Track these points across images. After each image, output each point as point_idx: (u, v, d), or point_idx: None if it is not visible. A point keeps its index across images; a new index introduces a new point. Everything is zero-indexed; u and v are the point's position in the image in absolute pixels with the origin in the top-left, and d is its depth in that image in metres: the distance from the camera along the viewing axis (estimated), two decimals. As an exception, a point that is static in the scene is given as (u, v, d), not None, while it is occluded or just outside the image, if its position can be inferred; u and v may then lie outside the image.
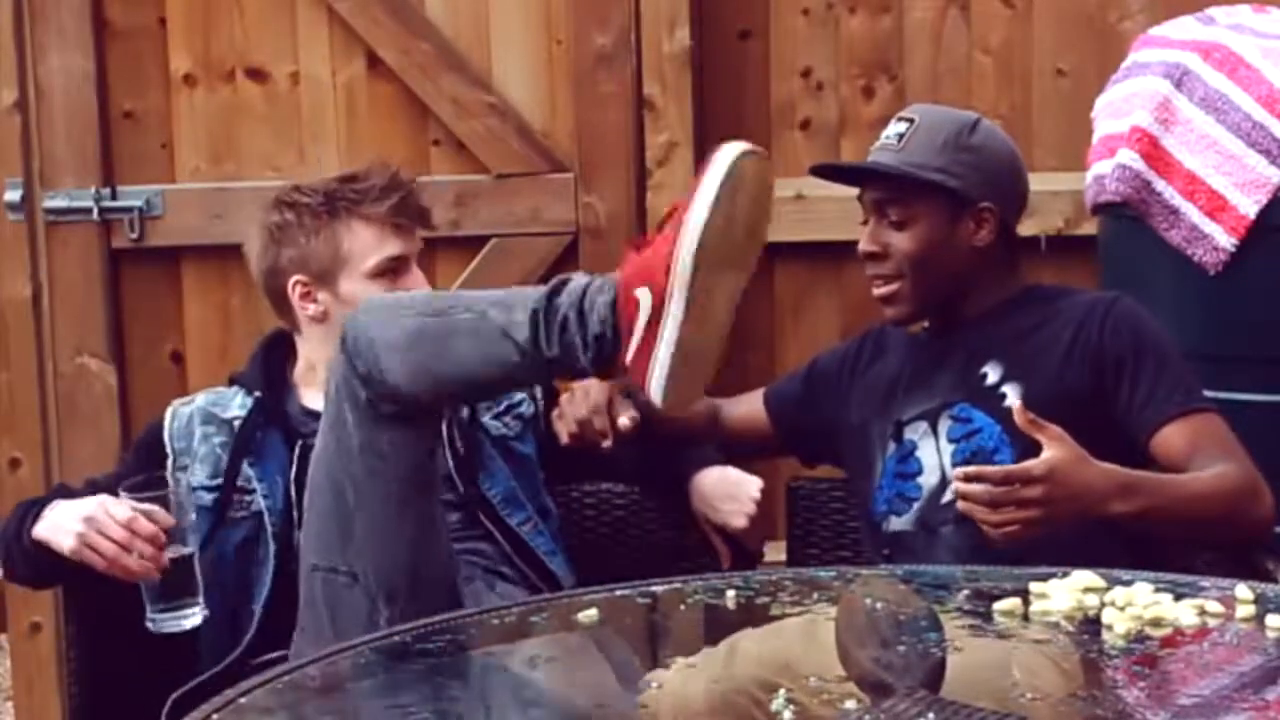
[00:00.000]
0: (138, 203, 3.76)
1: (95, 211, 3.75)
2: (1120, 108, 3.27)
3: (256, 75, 3.78)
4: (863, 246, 2.73)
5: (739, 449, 2.95)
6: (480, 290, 2.66)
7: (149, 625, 2.52)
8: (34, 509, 2.63)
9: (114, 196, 3.76)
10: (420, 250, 2.87)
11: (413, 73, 3.72)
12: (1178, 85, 3.20)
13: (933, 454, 2.67)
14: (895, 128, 2.74)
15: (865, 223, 2.75)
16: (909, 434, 2.70)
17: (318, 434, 2.56)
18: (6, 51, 3.72)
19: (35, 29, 3.72)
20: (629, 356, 2.29)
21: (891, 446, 2.72)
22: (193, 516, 2.53)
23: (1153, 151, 3.18)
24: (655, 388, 2.28)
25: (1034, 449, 2.52)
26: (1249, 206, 3.12)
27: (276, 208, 2.81)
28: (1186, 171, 3.17)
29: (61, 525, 2.56)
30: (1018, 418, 2.41)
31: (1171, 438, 2.58)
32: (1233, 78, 3.17)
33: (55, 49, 3.73)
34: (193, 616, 2.51)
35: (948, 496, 2.63)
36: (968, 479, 2.37)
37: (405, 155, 3.68)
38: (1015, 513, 2.35)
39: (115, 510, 2.50)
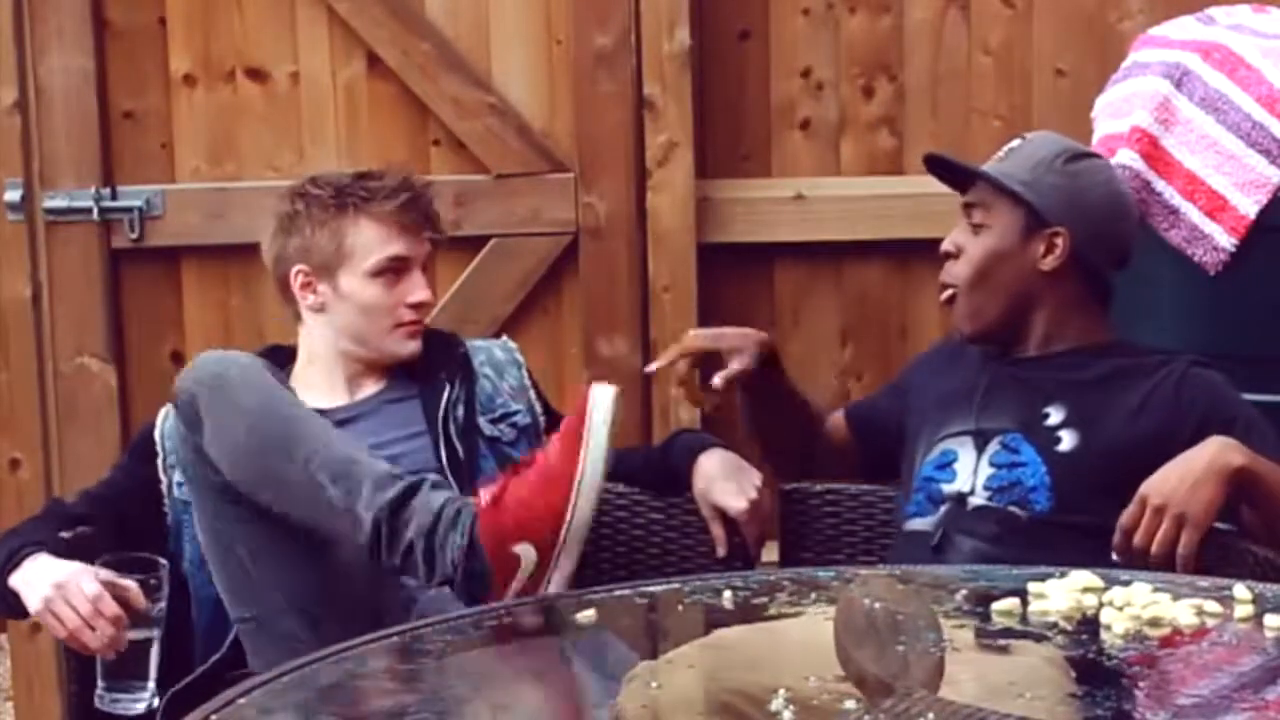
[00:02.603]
0: (138, 203, 3.75)
1: (95, 211, 3.75)
2: (1120, 108, 3.27)
3: (256, 75, 3.78)
4: (942, 246, 2.80)
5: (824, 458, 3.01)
6: (326, 437, 2.51)
7: (97, 700, 2.52)
8: (16, 552, 2.63)
9: (114, 196, 3.76)
10: (427, 254, 2.88)
11: (413, 73, 3.72)
12: (1178, 85, 3.20)
13: (969, 471, 2.69)
14: (1011, 143, 2.83)
15: None
16: (954, 444, 2.72)
17: (195, 497, 2.62)
18: (6, 51, 3.72)
19: (35, 29, 3.72)
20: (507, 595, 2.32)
21: (935, 452, 2.73)
22: (163, 604, 2.52)
23: (1153, 151, 3.18)
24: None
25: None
26: (1249, 206, 3.11)
27: (291, 198, 2.87)
28: (1186, 171, 3.16)
29: (33, 584, 2.57)
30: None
31: None
32: (1233, 78, 3.17)
33: (55, 49, 3.73)
34: (140, 702, 2.50)
35: (973, 504, 2.64)
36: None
37: (405, 155, 3.68)
38: (1161, 528, 2.43)
39: (86, 585, 2.50)
